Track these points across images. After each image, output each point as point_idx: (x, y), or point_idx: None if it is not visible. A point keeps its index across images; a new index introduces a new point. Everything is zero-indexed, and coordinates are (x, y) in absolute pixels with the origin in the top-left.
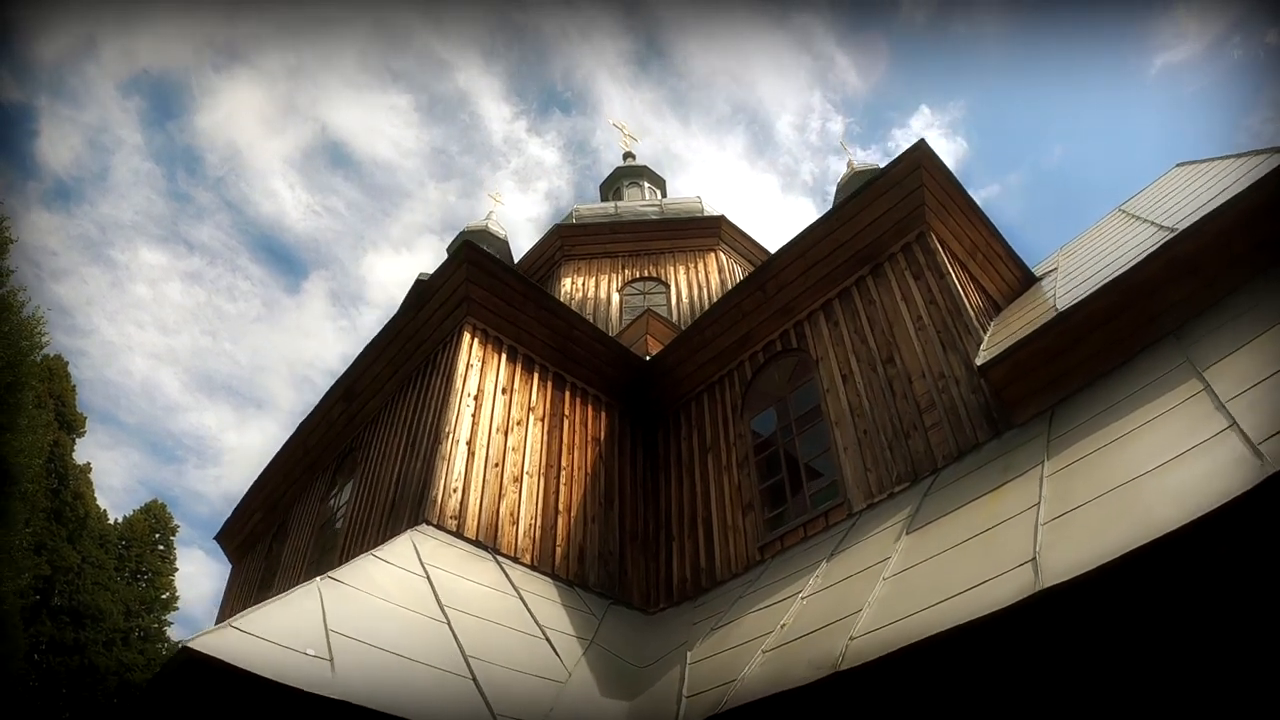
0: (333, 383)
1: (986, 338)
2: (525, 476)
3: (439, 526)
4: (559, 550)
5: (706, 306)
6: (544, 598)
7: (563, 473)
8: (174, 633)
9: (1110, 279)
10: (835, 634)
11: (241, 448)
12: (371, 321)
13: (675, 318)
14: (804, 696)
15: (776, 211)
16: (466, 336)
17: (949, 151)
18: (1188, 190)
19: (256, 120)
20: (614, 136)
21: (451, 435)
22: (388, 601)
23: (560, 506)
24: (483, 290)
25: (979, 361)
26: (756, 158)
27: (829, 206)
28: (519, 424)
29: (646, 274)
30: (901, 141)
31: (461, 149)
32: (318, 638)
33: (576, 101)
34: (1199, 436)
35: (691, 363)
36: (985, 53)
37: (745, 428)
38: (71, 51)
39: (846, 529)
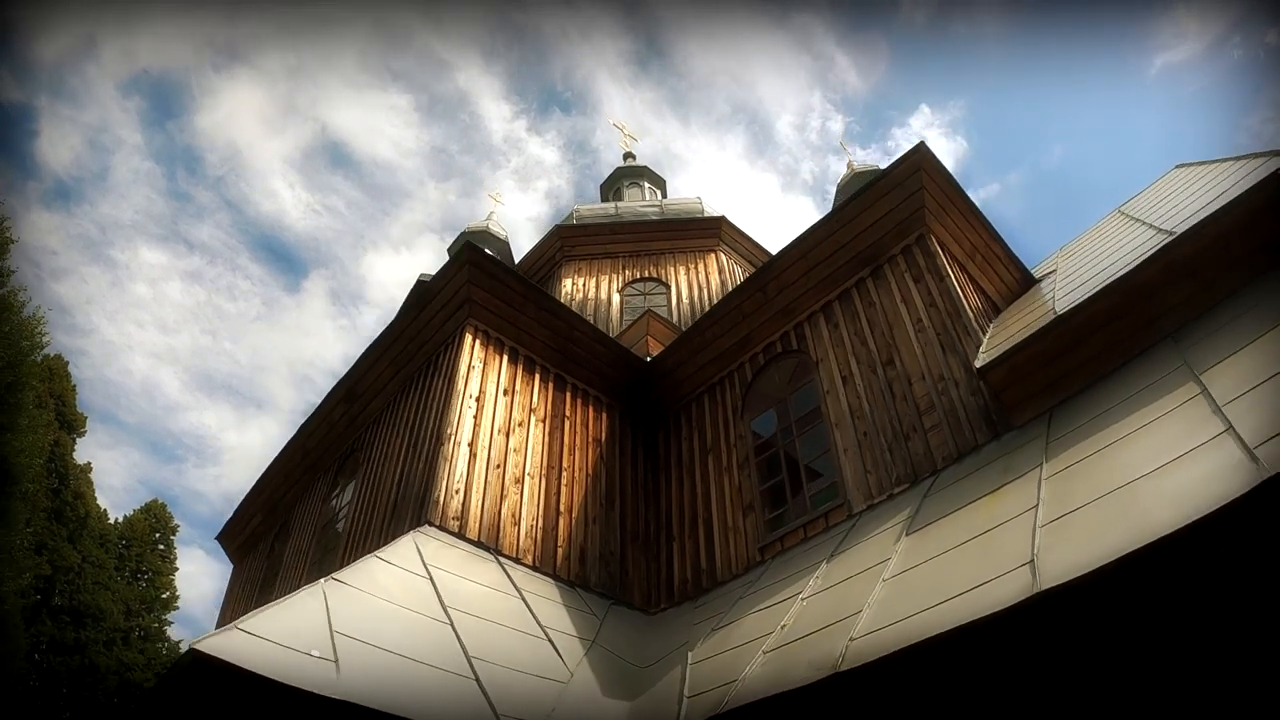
0: (333, 383)
1: (986, 340)
2: (527, 477)
3: (441, 528)
4: (560, 551)
5: (707, 307)
6: (545, 598)
7: (564, 474)
8: (174, 632)
9: (1109, 282)
10: (835, 635)
11: (241, 447)
12: (371, 321)
13: (676, 318)
14: (804, 697)
15: (776, 211)
16: (468, 338)
17: (949, 151)
18: (1187, 193)
19: (256, 120)
20: (614, 136)
21: (453, 436)
22: (391, 603)
23: (561, 507)
24: (484, 292)
25: (978, 364)
26: (756, 157)
27: (829, 206)
28: (520, 425)
29: (647, 274)
30: (901, 141)
31: (461, 148)
32: (322, 639)
33: (576, 101)
34: (1196, 440)
35: (692, 364)
36: (985, 52)
37: (746, 429)
38: (71, 51)
39: (846, 530)
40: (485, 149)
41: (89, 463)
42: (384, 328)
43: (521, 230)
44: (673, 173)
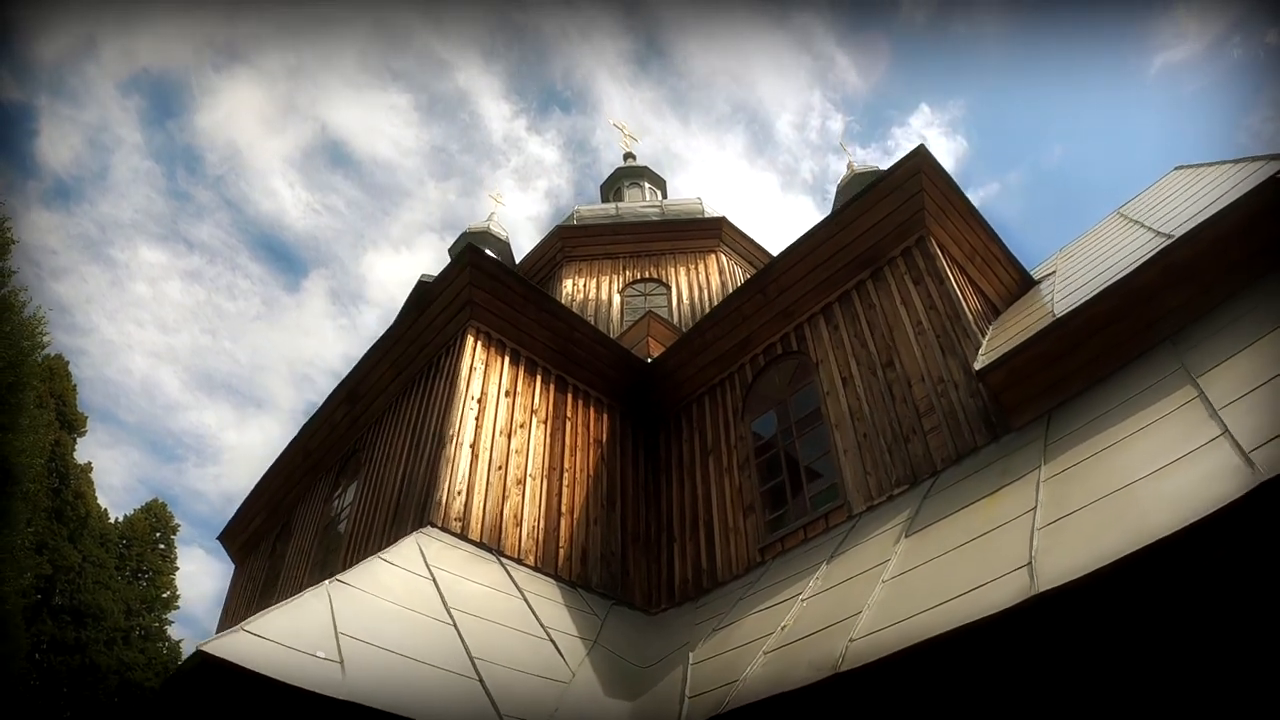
0: (333, 382)
1: (985, 342)
2: (528, 479)
3: (443, 529)
4: (562, 552)
5: (707, 308)
6: (547, 599)
7: (565, 475)
8: (175, 631)
9: (1107, 285)
10: (835, 636)
11: (241, 446)
12: (371, 320)
13: (676, 319)
14: (805, 697)
15: (776, 210)
16: (470, 340)
17: (949, 150)
18: (1185, 195)
19: (256, 119)
20: (614, 135)
21: (455, 438)
22: (395, 604)
23: (563, 508)
24: (486, 294)
25: (977, 366)
26: (756, 156)
27: (829, 205)
28: (522, 426)
29: (647, 275)
30: (901, 140)
31: (461, 148)
32: (328, 640)
33: (576, 100)
34: (1193, 443)
35: (692, 365)
36: (985, 52)
37: (746, 430)
38: (71, 51)
39: (846, 531)
40: (485, 148)
41: (89, 462)
42: (385, 328)
43: (521, 229)
44: (673, 172)
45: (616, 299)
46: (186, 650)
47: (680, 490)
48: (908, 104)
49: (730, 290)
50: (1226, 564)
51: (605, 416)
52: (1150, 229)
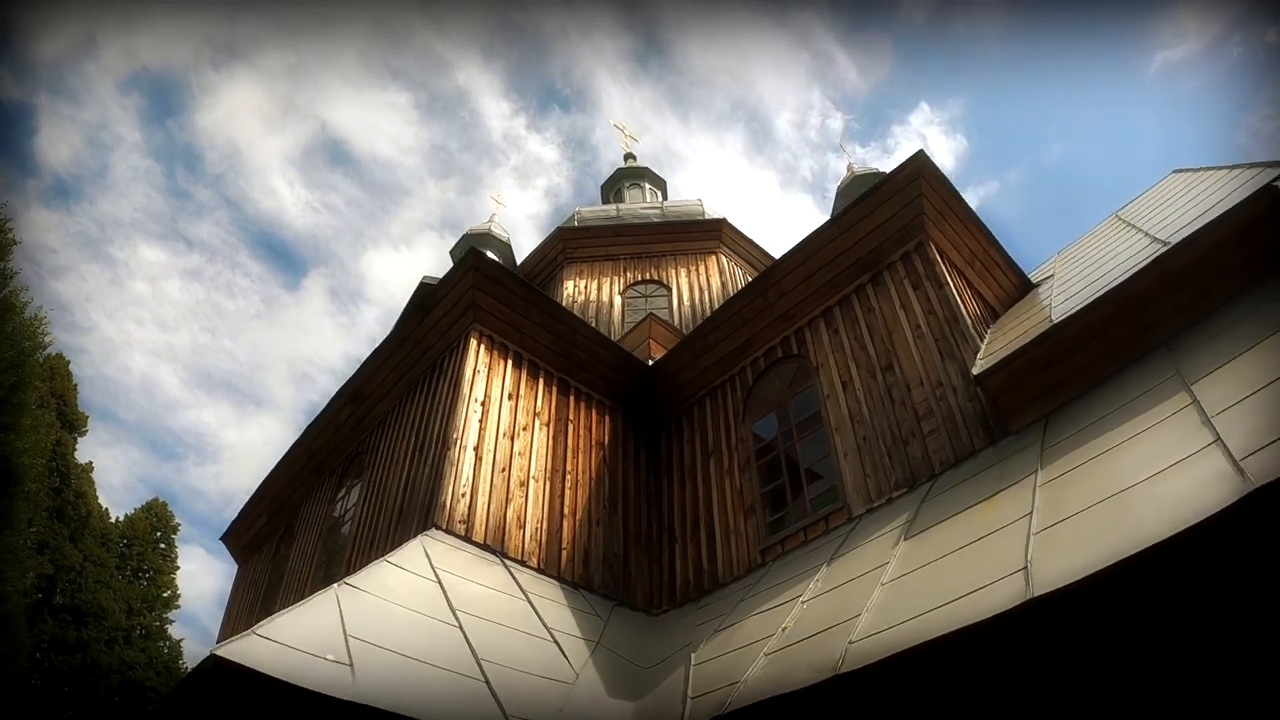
0: (334, 381)
1: (983, 346)
2: (531, 481)
3: (448, 531)
4: (564, 553)
5: (708, 309)
6: (551, 600)
7: (568, 477)
8: (175, 630)
9: (1104, 291)
10: (835, 637)
11: (241, 445)
12: (371, 319)
13: (677, 320)
14: (805, 698)
15: (776, 208)
16: (473, 343)
17: (948, 149)
18: (1182, 200)
19: (256, 118)
20: (613, 134)
21: (459, 440)
22: (402, 606)
23: (565, 510)
24: (489, 297)
25: (976, 371)
26: (756, 154)
27: (828, 203)
28: (525, 429)
29: (648, 277)
30: (901, 139)
31: (461, 146)
32: (337, 643)
33: (576, 99)
34: (1185, 450)
35: (694, 368)
36: (985, 51)
37: (747, 432)
38: (71, 49)
39: (846, 533)
40: (485, 146)
41: (90, 462)
42: (385, 327)
43: (521, 228)
44: (672, 170)
45: (618, 300)
46: (187, 649)
47: (681, 492)
48: (907, 102)
49: (730, 292)
50: (1218, 570)
51: (607, 418)
52: (1147, 234)
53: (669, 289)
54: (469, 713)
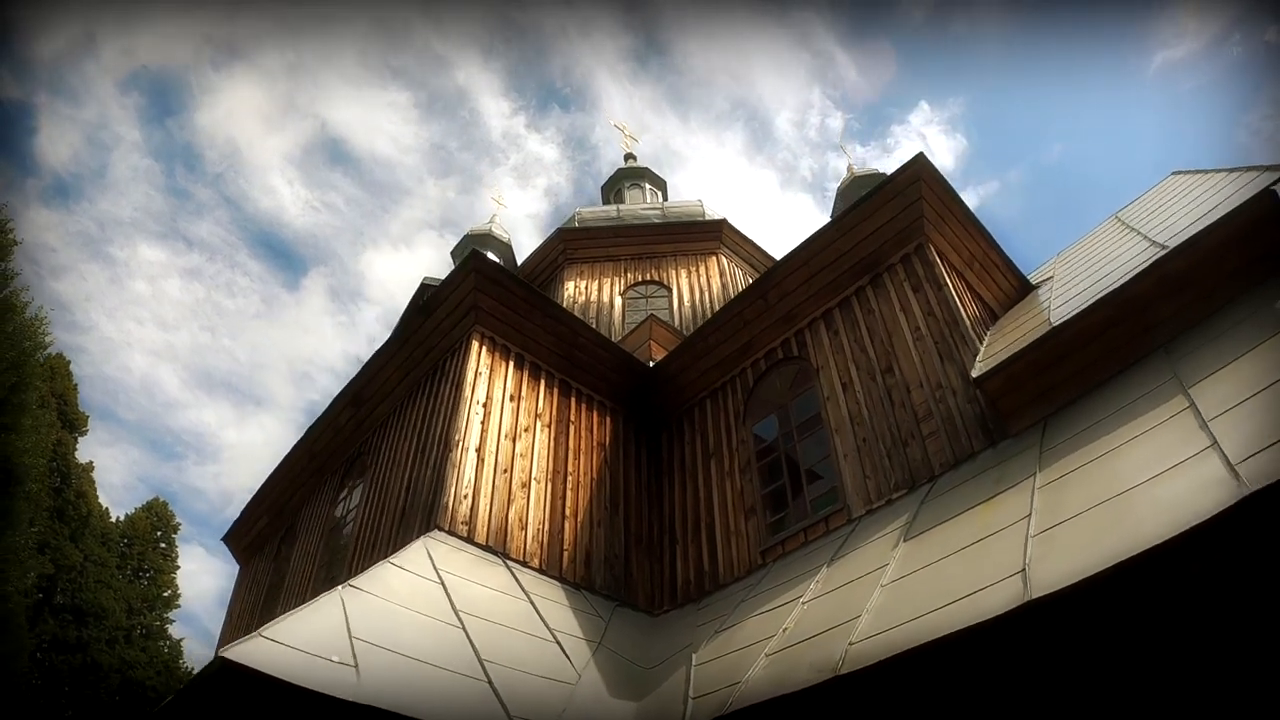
0: (334, 380)
1: (983, 348)
2: (533, 482)
3: (450, 532)
4: (566, 554)
5: (708, 310)
6: (553, 601)
7: (569, 478)
8: (176, 630)
9: (1103, 294)
10: (836, 639)
11: (241, 445)
12: (371, 319)
13: (677, 321)
14: (806, 699)
15: (775, 208)
16: (475, 344)
17: (948, 148)
18: (1181, 202)
19: (256, 117)
20: (613, 133)
21: (461, 442)
22: (406, 608)
23: (567, 511)
24: (490, 299)
25: (975, 373)
26: (755, 154)
27: (828, 202)
28: (526, 430)
29: (649, 277)
30: (901, 138)
31: (460, 145)
32: (342, 645)
33: (575, 98)
34: (1183, 454)
35: (694, 369)
36: (985, 50)
37: (747, 433)
38: (71, 49)
39: (846, 534)
40: (484, 146)
41: (90, 462)
42: (385, 327)
43: (521, 227)
44: (672, 169)
45: (618, 301)
46: (188, 649)
47: (682, 493)
48: (907, 102)
49: (731, 292)
50: (1214, 573)
51: (608, 420)
52: (1146, 237)
53: (669, 290)
54: (472, 713)
